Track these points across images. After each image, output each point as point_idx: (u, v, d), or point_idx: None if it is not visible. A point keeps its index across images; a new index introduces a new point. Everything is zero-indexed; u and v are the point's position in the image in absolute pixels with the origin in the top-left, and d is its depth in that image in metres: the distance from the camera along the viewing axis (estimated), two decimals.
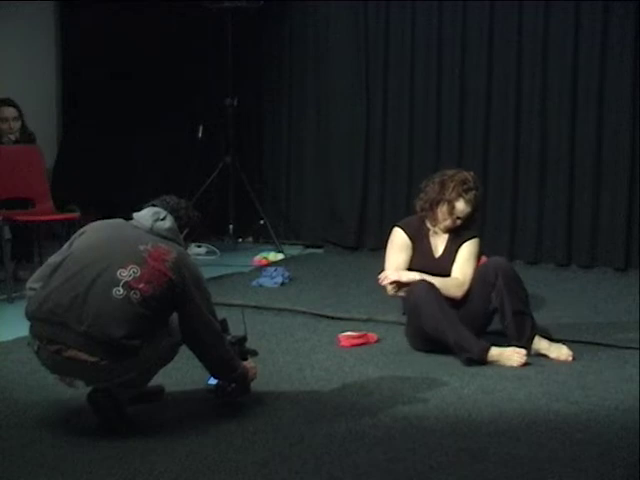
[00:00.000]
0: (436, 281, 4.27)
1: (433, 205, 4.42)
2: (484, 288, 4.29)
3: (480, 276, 4.34)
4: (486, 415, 3.49)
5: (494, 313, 4.33)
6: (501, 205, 6.86)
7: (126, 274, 3.18)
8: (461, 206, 4.37)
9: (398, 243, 4.47)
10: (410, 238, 4.45)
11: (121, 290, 3.15)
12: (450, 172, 4.46)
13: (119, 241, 3.31)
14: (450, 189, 4.36)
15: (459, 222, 4.42)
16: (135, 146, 7.76)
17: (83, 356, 3.13)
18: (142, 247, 3.25)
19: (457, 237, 4.45)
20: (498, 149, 6.90)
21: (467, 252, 4.41)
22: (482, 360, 4.12)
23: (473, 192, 4.37)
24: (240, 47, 7.53)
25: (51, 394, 3.65)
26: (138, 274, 3.18)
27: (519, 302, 4.25)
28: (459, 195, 4.35)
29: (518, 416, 3.48)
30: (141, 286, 3.16)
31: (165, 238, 3.33)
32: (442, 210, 4.40)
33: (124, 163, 7.77)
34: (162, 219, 3.37)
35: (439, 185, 4.40)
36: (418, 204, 4.51)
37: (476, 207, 4.42)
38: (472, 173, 4.49)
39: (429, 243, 4.48)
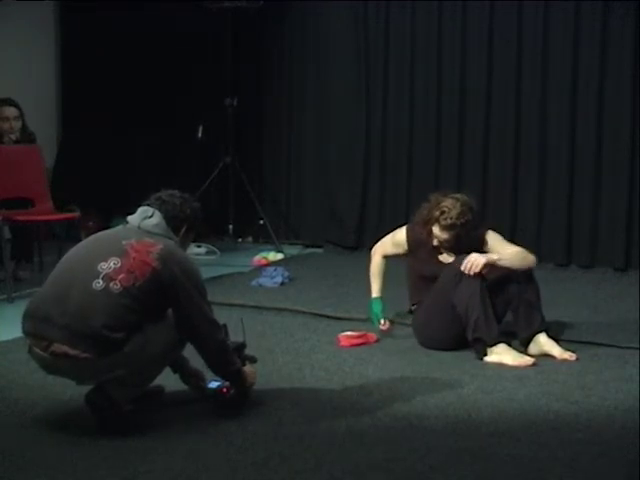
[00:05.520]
0: (507, 257, 4.35)
1: (423, 221, 4.50)
2: (502, 277, 4.36)
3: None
4: (486, 415, 3.49)
5: (509, 303, 4.37)
6: (501, 205, 6.86)
7: (106, 266, 3.23)
8: (437, 232, 4.43)
9: (396, 240, 4.65)
10: (408, 244, 4.57)
11: (101, 282, 3.20)
12: (443, 197, 4.45)
13: (104, 239, 3.43)
14: (431, 216, 4.42)
15: (446, 245, 4.46)
16: (135, 146, 7.77)
17: (67, 350, 3.14)
18: (125, 242, 3.30)
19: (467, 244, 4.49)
20: (498, 149, 6.91)
21: (495, 240, 4.51)
22: (488, 345, 4.18)
23: (450, 221, 4.36)
24: (240, 47, 7.53)
25: (51, 394, 3.65)
26: (119, 265, 3.22)
27: (533, 293, 4.36)
28: (436, 221, 4.40)
29: (518, 416, 3.49)
30: (121, 277, 3.20)
31: (153, 234, 3.35)
32: (426, 230, 4.48)
33: (124, 163, 7.77)
34: (150, 216, 3.41)
35: (428, 210, 4.46)
36: (415, 218, 4.58)
37: (458, 234, 4.41)
38: (460, 198, 4.43)
39: (439, 251, 4.52)
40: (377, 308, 4.64)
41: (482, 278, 4.28)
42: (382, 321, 4.62)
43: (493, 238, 4.53)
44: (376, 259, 4.70)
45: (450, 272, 4.33)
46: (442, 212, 4.38)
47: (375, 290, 4.67)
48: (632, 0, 6.37)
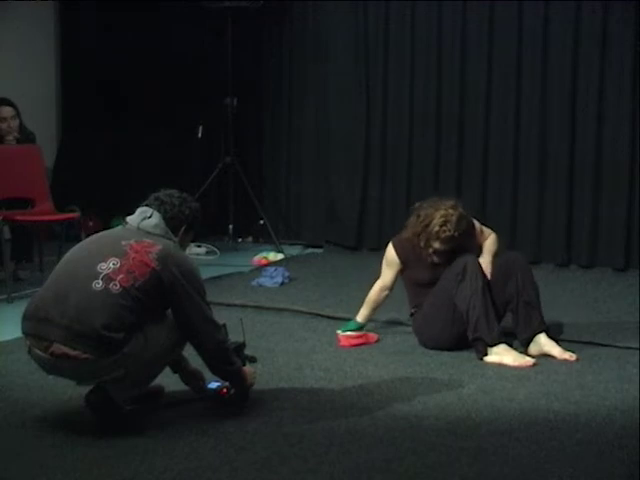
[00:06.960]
0: (495, 246, 4.64)
1: (417, 236, 4.45)
2: (502, 277, 4.39)
3: (499, 266, 4.48)
4: (486, 415, 3.49)
5: (508, 304, 4.38)
6: (501, 205, 6.87)
7: (105, 267, 3.23)
8: (437, 246, 4.40)
9: (388, 260, 4.61)
10: (399, 257, 4.54)
11: (100, 282, 3.20)
12: (433, 209, 4.39)
13: (103, 240, 3.43)
14: (429, 232, 4.37)
15: (436, 259, 4.44)
16: (135, 146, 7.77)
17: (67, 350, 3.15)
18: (124, 242, 3.31)
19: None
20: (498, 149, 6.91)
21: (477, 226, 4.62)
22: (489, 345, 4.19)
23: (449, 233, 4.33)
24: (240, 47, 7.54)
25: (51, 394, 3.65)
26: (118, 266, 3.23)
27: (532, 293, 4.37)
28: (436, 238, 4.37)
29: (518, 416, 3.48)
30: (120, 277, 3.20)
31: (152, 235, 3.35)
32: (422, 244, 4.43)
33: (124, 163, 7.78)
34: (149, 217, 3.41)
35: (423, 225, 4.39)
36: (408, 226, 4.52)
37: (458, 243, 4.40)
38: (452, 208, 4.37)
39: (432, 257, 4.50)
40: (350, 327, 4.60)
41: (483, 278, 4.29)
42: (345, 336, 4.56)
43: (477, 225, 4.60)
44: (375, 290, 4.62)
45: (451, 272, 4.34)
46: (440, 226, 4.34)
47: (362, 315, 4.62)
48: (632, 0, 6.37)
